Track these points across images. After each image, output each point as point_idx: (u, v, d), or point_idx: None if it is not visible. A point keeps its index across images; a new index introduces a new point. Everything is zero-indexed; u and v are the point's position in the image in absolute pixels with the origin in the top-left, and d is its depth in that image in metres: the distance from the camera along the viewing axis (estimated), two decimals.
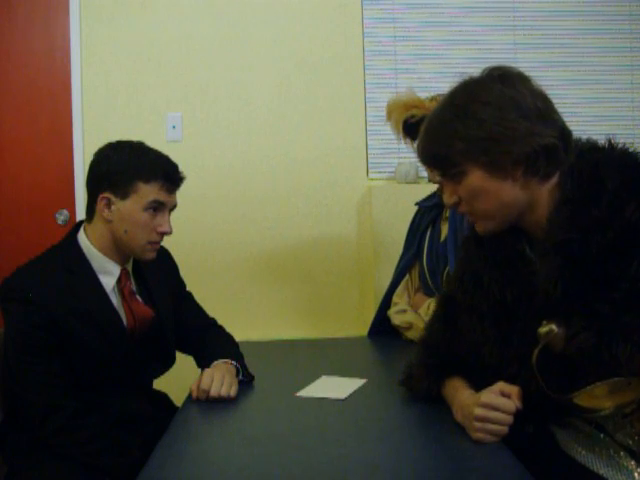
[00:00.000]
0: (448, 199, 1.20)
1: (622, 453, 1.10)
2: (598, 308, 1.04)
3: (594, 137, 1.18)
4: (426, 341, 1.38)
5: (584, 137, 1.18)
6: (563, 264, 1.07)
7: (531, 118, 1.09)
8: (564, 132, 1.13)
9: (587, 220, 1.06)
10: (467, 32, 2.90)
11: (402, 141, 2.01)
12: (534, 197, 1.14)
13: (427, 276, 2.01)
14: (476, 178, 1.13)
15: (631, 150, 1.13)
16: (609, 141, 1.14)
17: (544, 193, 1.13)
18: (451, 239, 1.91)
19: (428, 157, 1.21)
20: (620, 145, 1.13)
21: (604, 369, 1.04)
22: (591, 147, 1.15)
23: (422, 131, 1.20)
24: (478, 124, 1.10)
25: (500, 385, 1.15)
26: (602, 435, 1.13)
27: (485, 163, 1.11)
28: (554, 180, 1.13)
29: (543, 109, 1.11)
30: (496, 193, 1.13)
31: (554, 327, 1.08)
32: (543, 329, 1.09)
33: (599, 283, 1.04)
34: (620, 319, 1.02)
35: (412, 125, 1.92)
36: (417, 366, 1.36)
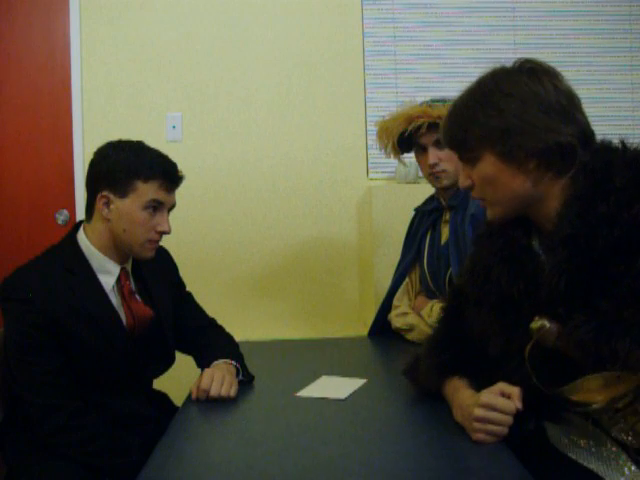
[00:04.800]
0: (463, 181, 1.23)
1: (614, 448, 1.11)
2: (600, 303, 1.04)
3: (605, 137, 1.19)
4: (433, 336, 1.40)
5: (599, 137, 1.18)
6: (569, 258, 1.08)
7: (551, 114, 1.11)
8: (585, 132, 1.14)
9: (595, 216, 1.07)
10: (467, 32, 2.90)
11: (392, 156, 2.01)
12: (546, 192, 1.15)
13: (428, 279, 2.01)
14: (489, 165, 1.16)
15: None
16: (622, 142, 1.15)
17: (557, 188, 1.15)
18: (452, 241, 1.91)
19: (447, 138, 1.23)
20: (634, 146, 1.14)
21: (602, 364, 1.04)
22: (605, 147, 1.16)
23: (447, 112, 1.23)
24: (498, 114, 1.12)
25: (500, 385, 1.15)
26: (596, 430, 1.14)
27: (499, 152, 1.14)
28: (568, 176, 1.14)
29: (566, 107, 1.12)
30: (507, 182, 1.15)
31: (546, 323, 1.10)
32: (535, 324, 1.11)
33: (604, 278, 1.05)
34: (621, 314, 1.02)
35: (408, 138, 1.93)
36: (422, 360, 1.37)
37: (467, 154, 1.19)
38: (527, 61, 1.17)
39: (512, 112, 1.11)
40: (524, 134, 1.11)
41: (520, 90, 1.12)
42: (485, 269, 1.24)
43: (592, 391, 1.06)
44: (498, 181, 1.16)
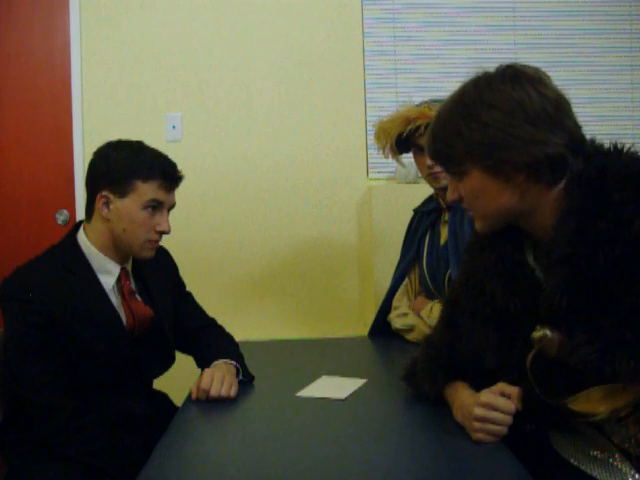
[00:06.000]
0: (450, 195, 1.20)
1: (617, 456, 1.10)
2: (602, 322, 1.02)
3: (594, 137, 1.15)
4: (430, 342, 1.38)
5: (588, 137, 1.14)
6: (569, 277, 1.05)
7: (538, 124, 1.06)
8: (575, 138, 1.09)
9: (594, 233, 1.03)
10: (467, 32, 2.90)
11: (391, 157, 2.01)
12: (537, 203, 1.11)
13: (427, 279, 2.01)
14: (476, 179, 1.12)
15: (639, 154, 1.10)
16: (615, 145, 1.11)
17: (549, 198, 1.11)
18: (451, 242, 1.91)
19: (432, 153, 1.20)
20: (627, 148, 1.11)
21: (605, 381, 1.03)
22: (598, 151, 1.12)
23: (430, 124, 1.20)
24: (482, 128, 1.08)
25: (500, 385, 1.15)
26: (600, 437, 1.13)
27: (486, 167, 1.10)
28: (561, 185, 1.10)
29: (553, 114, 1.07)
30: (495, 196, 1.12)
31: (548, 332, 1.07)
32: (537, 334, 1.08)
33: (605, 297, 1.03)
34: (624, 335, 1.00)
35: (407, 139, 1.93)
36: (420, 365, 1.36)
37: (453, 168, 1.16)
38: (509, 67, 1.12)
39: (496, 125, 1.06)
40: (510, 148, 1.06)
41: (504, 100, 1.07)
42: (478, 283, 1.21)
43: (593, 402, 1.04)
44: (486, 195, 1.13)
